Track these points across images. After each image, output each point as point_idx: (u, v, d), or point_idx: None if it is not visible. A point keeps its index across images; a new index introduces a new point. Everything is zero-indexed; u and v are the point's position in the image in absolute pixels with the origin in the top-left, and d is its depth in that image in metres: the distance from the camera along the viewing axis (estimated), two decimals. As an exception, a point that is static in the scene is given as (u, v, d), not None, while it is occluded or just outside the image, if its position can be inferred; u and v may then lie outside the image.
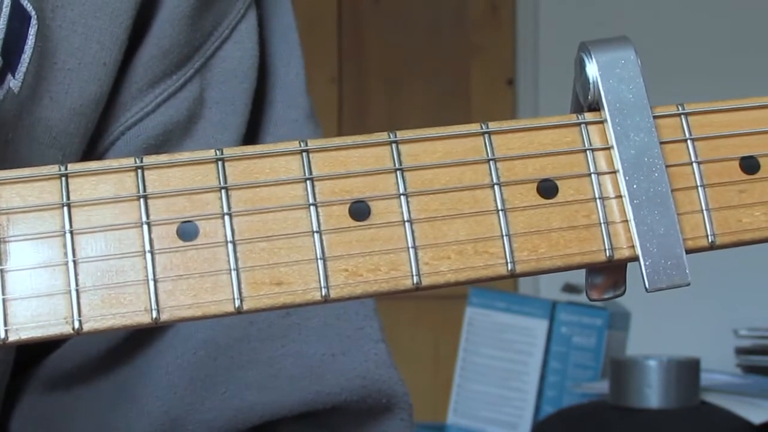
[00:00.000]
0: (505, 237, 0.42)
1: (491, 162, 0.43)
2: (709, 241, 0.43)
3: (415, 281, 0.41)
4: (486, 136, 0.43)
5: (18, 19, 0.57)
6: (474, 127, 0.43)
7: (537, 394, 1.62)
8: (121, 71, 0.61)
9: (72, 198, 0.40)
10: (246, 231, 0.41)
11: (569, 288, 1.74)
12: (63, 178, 0.40)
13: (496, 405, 1.64)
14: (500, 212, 0.42)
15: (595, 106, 0.44)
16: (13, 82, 0.57)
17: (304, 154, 0.42)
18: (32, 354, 0.66)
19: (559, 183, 0.43)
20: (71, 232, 0.40)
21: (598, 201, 0.43)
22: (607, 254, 0.42)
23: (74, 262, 0.40)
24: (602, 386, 1.50)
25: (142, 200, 0.41)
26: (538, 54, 2.91)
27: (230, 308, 0.40)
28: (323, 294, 0.41)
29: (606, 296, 0.45)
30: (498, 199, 0.42)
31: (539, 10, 2.92)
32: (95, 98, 0.60)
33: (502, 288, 2.24)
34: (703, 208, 0.43)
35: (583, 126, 0.44)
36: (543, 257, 0.42)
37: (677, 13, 2.78)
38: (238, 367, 0.63)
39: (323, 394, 0.63)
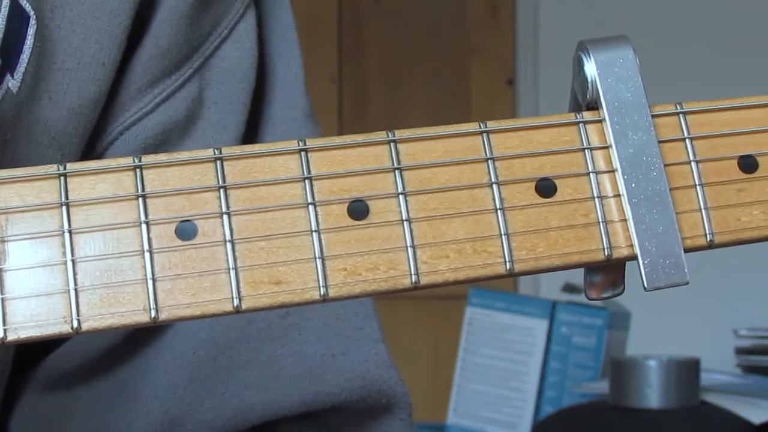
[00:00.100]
0: (503, 236, 0.42)
1: (490, 161, 0.43)
2: (708, 240, 0.43)
3: (413, 280, 0.41)
4: (484, 135, 0.43)
5: (17, 19, 0.57)
6: (472, 127, 0.43)
7: (537, 394, 1.62)
8: (119, 71, 0.61)
9: (71, 197, 0.40)
10: (245, 230, 0.41)
11: (569, 288, 1.74)
12: (62, 178, 0.40)
13: (496, 405, 1.64)
14: (499, 211, 0.42)
15: (594, 105, 0.44)
16: (12, 82, 0.57)
17: (303, 153, 0.42)
18: (31, 354, 0.66)
19: (557, 182, 0.43)
20: (70, 232, 0.40)
21: (596, 200, 0.43)
22: (606, 253, 0.43)
23: (73, 261, 0.40)
24: (602, 386, 1.50)
25: (140, 199, 0.41)
26: (538, 54, 2.91)
27: (229, 307, 0.40)
28: (322, 293, 0.41)
29: (605, 295, 0.45)
30: (496, 198, 0.42)
31: (539, 10, 2.92)
32: (94, 98, 0.60)
33: (502, 288, 2.24)
34: (702, 207, 0.43)
35: (581, 125, 0.44)
36: (541, 256, 0.42)
37: (677, 12, 2.78)
38: (237, 367, 0.63)
39: (323, 394, 0.63)
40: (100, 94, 0.60)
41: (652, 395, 1.37)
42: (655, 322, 2.28)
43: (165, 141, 0.63)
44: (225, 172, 0.41)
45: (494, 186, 0.42)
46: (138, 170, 0.41)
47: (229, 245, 0.41)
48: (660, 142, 0.43)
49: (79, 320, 0.39)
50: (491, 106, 2.95)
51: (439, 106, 2.97)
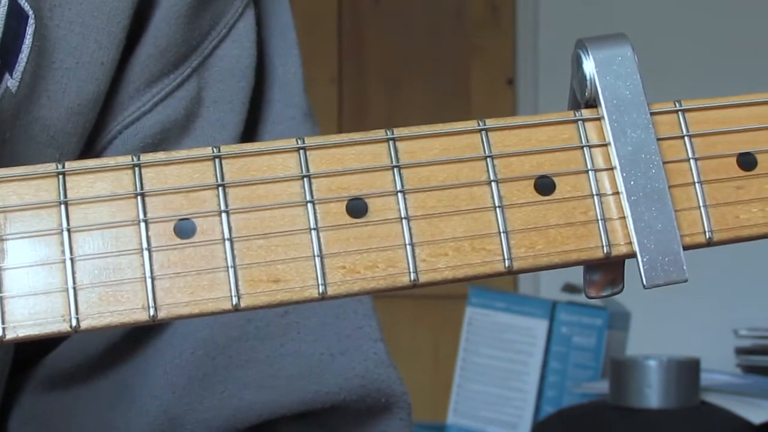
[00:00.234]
0: (502, 234, 0.42)
1: (488, 159, 0.43)
2: (707, 237, 0.43)
3: (412, 278, 0.41)
4: (483, 133, 0.43)
5: (15, 18, 0.57)
6: (471, 124, 0.43)
7: (537, 394, 1.62)
8: (118, 70, 0.61)
9: (69, 196, 0.40)
10: (243, 228, 0.41)
11: (569, 288, 1.74)
12: (60, 176, 0.40)
13: (496, 405, 1.64)
14: (497, 209, 0.42)
15: (593, 103, 0.44)
16: (11, 82, 0.57)
17: (302, 151, 0.42)
18: (31, 353, 0.66)
19: (556, 180, 0.43)
20: (68, 230, 0.40)
21: (595, 197, 0.43)
22: (605, 251, 0.43)
23: (71, 259, 0.40)
24: (602, 386, 1.50)
25: (139, 198, 0.41)
26: (538, 54, 2.91)
27: (228, 305, 0.40)
28: (320, 291, 0.41)
29: (604, 294, 0.45)
30: (495, 196, 0.42)
31: (539, 10, 2.92)
32: (93, 97, 0.60)
33: (502, 288, 2.24)
34: (701, 204, 0.43)
35: (580, 123, 0.44)
36: (540, 254, 0.42)
37: (677, 12, 2.78)
38: (236, 367, 0.63)
39: (322, 393, 0.63)
40: (99, 94, 0.60)
41: (652, 395, 1.37)
42: (655, 322, 2.28)
43: (164, 140, 0.63)
44: (224, 171, 0.41)
45: (493, 184, 0.42)
46: (137, 169, 0.41)
47: (227, 243, 0.41)
48: (659, 139, 0.43)
49: (77, 319, 0.39)
50: (491, 105, 2.95)
51: (439, 106, 2.97)
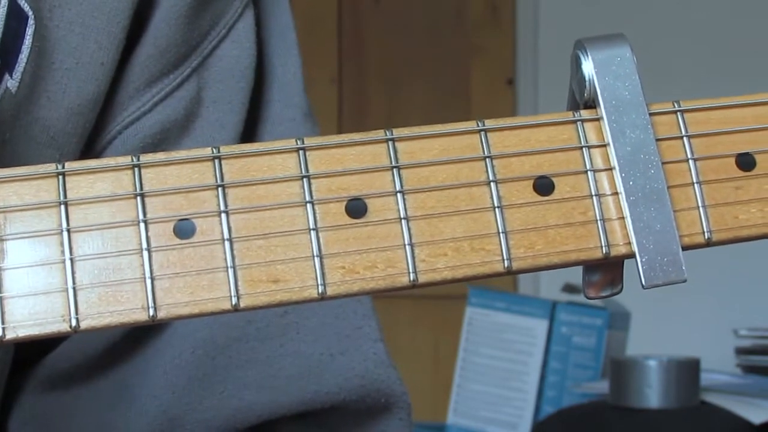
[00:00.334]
0: (501, 234, 0.42)
1: (487, 159, 0.43)
2: (706, 237, 0.43)
3: (411, 278, 0.41)
4: (482, 133, 0.43)
5: (15, 18, 0.57)
6: (470, 125, 0.43)
7: (537, 394, 1.62)
8: (118, 70, 0.61)
9: (69, 196, 0.40)
10: (243, 229, 0.41)
11: (569, 288, 1.74)
12: (60, 177, 0.40)
13: (496, 405, 1.64)
14: (497, 209, 0.42)
15: (591, 104, 0.44)
16: (11, 82, 0.57)
17: (301, 152, 0.42)
18: (31, 353, 0.66)
19: (555, 180, 0.43)
20: (68, 230, 0.40)
21: (594, 198, 0.43)
22: (604, 251, 0.43)
23: (71, 260, 0.40)
24: (602, 386, 1.50)
25: (139, 198, 0.41)
26: (538, 54, 2.92)
27: (227, 305, 0.40)
28: (320, 291, 0.41)
29: (603, 294, 0.45)
30: (494, 197, 0.42)
31: (539, 10, 2.92)
32: (93, 98, 0.60)
33: (502, 288, 2.24)
34: (699, 204, 0.43)
35: (579, 123, 0.44)
36: (539, 254, 0.42)
37: (676, 12, 2.78)
38: (236, 367, 0.63)
39: (322, 393, 0.63)
40: (99, 94, 0.60)
41: (652, 395, 1.37)
42: (655, 322, 2.28)
43: (163, 140, 0.63)
44: (223, 171, 0.41)
45: (492, 184, 0.42)
46: (136, 169, 0.41)
47: (227, 244, 0.41)
48: (658, 140, 0.43)
49: (77, 319, 0.39)
50: (491, 106, 2.95)
51: (439, 106, 2.97)
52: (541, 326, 1.63)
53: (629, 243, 0.43)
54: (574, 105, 0.45)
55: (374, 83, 3.04)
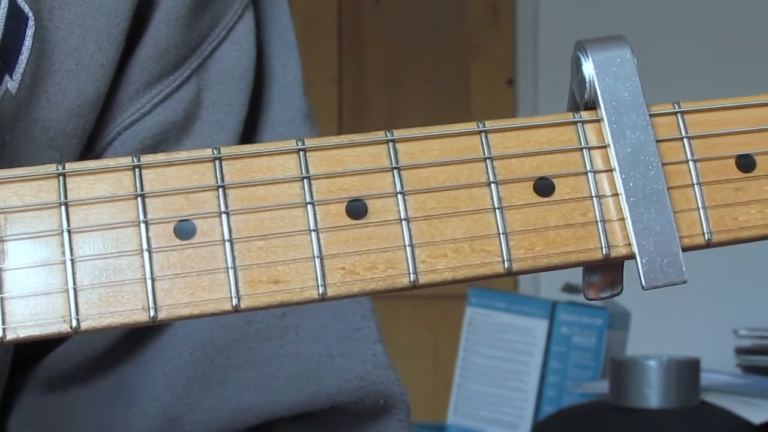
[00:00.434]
0: (501, 235, 0.42)
1: (488, 160, 0.43)
2: (706, 239, 0.43)
3: (411, 279, 0.41)
4: (483, 134, 0.43)
5: (15, 20, 0.57)
6: (471, 126, 0.43)
7: (537, 394, 1.62)
8: (117, 72, 0.61)
9: (69, 197, 0.40)
10: (243, 229, 0.41)
11: (569, 288, 1.74)
12: (60, 178, 0.40)
13: (496, 405, 1.64)
14: (497, 210, 0.42)
15: (592, 105, 0.44)
16: (11, 83, 0.57)
17: (301, 153, 0.42)
18: (31, 353, 0.66)
19: (555, 181, 0.43)
20: (69, 231, 0.40)
21: (594, 199, 0.43)
22: (604, 252, 0.43)
23: (72, 260, 0.40)
24: (602, 386, 1.50)
25: (139, 199, 0.41)
26: (538, 54, 2.92)
27: (227, 306, 0.40)
28: (320, 292, 0.41)
29: (603, 295, 0.45)
30: (495, 198, 0.42)
31: (539, 10, 2.92)
32: (93, 99, 0.60)
33: (502, 288, 2.24)
34: (700, 206, 0.43)
35: (579, 124, 0.44)
36: (540, 255, 0.42)
37: (676, 12, 2.78)
38: (235, 368, 0.63)
39: (321, 394, 0.63)
40: (99, 95, 0.60)
41: (652, 395, 1.37)
42: (655, 322, 2.28)
43: (163, 141, 0.63)
44: (224, 172, 0.41)
45: (492, 185, 0.42)
46: (137, 170, 0.41)
47: (227, 244, 0.41)
48: (658, 141, 0.43)
49: (78, 319, 0.39)
50: (491, 106, 2.95)
51: (439, 106, 2.97)
52: (541, 326, 1.64)
53: (629, 244, 0.43)
54: (575, 106, 0.45)
55: (374, 83, 3.04)
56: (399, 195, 0.42)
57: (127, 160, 0.41)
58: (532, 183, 0.43)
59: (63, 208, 0.40)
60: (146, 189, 0.41)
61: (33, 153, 0.59)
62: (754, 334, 1.65)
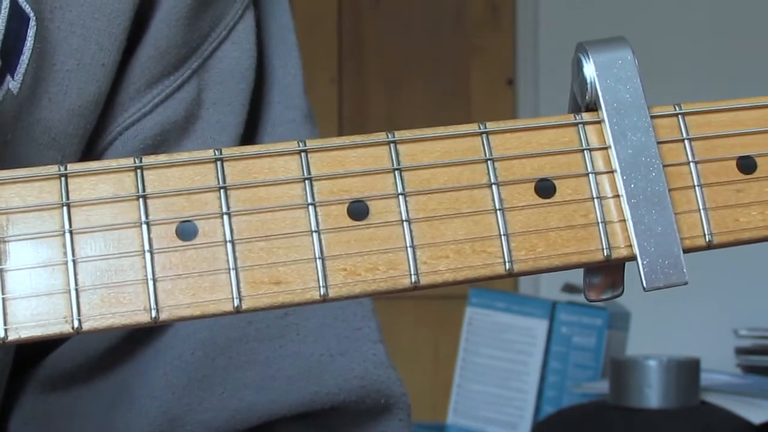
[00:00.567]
0: (503, 236, 0.42)
1: (489, 162, 0.43)
2: (707, 240, 0.43)
3: (413, 280, 0.41)
4: (484, 136, 0.43)
5: (17, 20, 0.57)
6: (472, 127, 0.43)
7: (537, 394, 1.62)
8: (118, 71, 0.61)
9: (71, 198, 0.40)
10: (245, 230, 0.41)
11: (569, 288, 1.74)
12: (62, 178, 0.41)
13: (496, 405, 1.64)
14: (498, 212, 0.42)
15: (593, 107, 0.44)
16: (12, 83, 0.57)
17: (303, 154, 0.42)
18: (31, 354, 0.66)
19: (556, 183, 0.43)
20: (71, 232, 0.40)
21: (595, 200, 0.43)
22: (605, 253, 0.43)
23: (74, 261, 0.40)
24: (602, 386, 1.50)
25: (141, 200, 0.41)
26: (538, 54, 2.92)
27: (229, 307, 0.41)
28: (322, 293, 0.41)
29: (604, 296, 0.45)
30: (496, 199, 0.42)
31: (539, 10, 2.92)
32: (94, 99, 0.60)
33: (502, 288, 2.24)
34: (701, 207, 0.43)
35: (580, 126, 0.44)
36: (541, 256, 0.42)
37: (677, 13, 2.78)
38: (236, 368, 0.63)
39: (321, 394, 0.63)
40: (100, 95, 0.60)
41: (652, 395, 1.37)
42: (655, 322, 2.28)
43: (164, 141, 0.63)
44: (225, 173, 0.41)
45: (494, 186, 0.42)
46: (138, 171, 0.41)
47: (229, 245, 0.41)
48: (659, 143, 0.43)
49: (79, 320, 0.40)
50: (491, 106, 2.95)
51: (439, 106, 2.97)
52: (541, 326, 1.64)
53: (630, 245, 0.43)
54: (576, 108, 0.45)
55: (374, 83, 3.04)
56: (400, 196, 0.42)
57: (128, 161, 0.41)
58: (533, 184, 0.43)
59: (65, 208, 0.40)
60: (148, 190, 0.41)
61: (34, 153, 0.59)
62: (754, 334, 1.65)
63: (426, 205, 0.42)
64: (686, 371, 1.38)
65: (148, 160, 0.41)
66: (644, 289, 0.42)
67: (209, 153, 0.42)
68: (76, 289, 0.40)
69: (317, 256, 0.41)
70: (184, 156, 0.42)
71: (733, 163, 0.44)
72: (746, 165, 0.44)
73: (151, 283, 0.40)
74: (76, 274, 0.40)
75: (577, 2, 2.88)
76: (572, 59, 0.44)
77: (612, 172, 0.43)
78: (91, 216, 0.40)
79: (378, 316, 0.67)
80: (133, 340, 0.64)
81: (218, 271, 0.41)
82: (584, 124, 0.44)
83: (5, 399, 0.65)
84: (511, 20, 2.98)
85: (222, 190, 0.41)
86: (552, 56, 2.86)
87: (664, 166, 0.43)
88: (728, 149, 0.44)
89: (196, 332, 0.63)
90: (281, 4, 0.69)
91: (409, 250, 0.42)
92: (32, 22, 0.57)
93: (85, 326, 0.40)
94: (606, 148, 0.43)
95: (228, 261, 0.41)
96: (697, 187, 0.43)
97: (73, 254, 0.40)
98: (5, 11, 0.56)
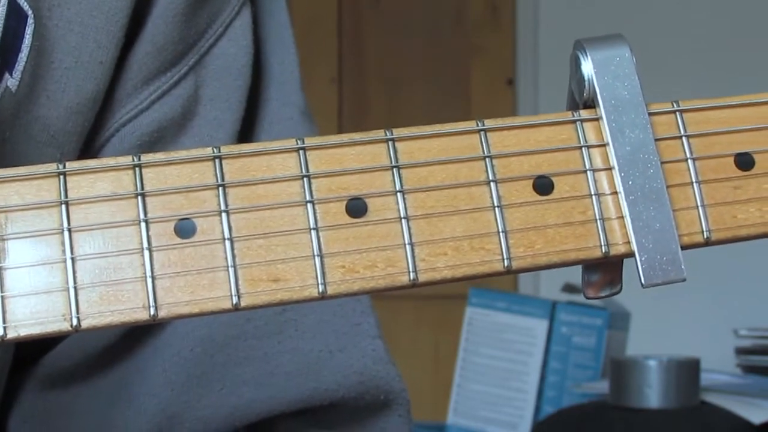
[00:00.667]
0: (501, 233, 0.42)
1: (487, 159, 0.43)
2: (705, 237, 0.43)
3: (411, 277, 0.41)
4: (482, 133, 0.43)
5: (15, 17, 0.57)
6: (470, 125, 0.43)
7: (537, 394, 1.62)
8: (116, 68, 0.61)
9: (70, 196, 0.40)
10: (243, 228, 0.41)
11: (569, 288, 1.74)
12: (61, 176, 0.41)
13: (496, 405, 1.64)
14: (496, 209, 0.42)
15: (591, 104, 0.44)
16: (11, 81, 0.57)
17: (301, 151, 0.42)
18: (31, 352, 0.66)
19: (554, 180, 0.43)
20: (69, 230, 0.40)
21: (593, 197, 0.43)
22: (603, 250, 0.43)
23: (72, 259, 0.40)
24: (602, 386, 1.50)
25: (139, 198, 0.41)
26: (538, 54, 2.92)
27: (228, 305, 0.41)
28: (320, 290, 0.41)
29: (603, 294, 0.45)
30: (494, 196, 0.42)
31: (539, 10, 2.92)
32: (92, 96, 0.60)
33: (503, 288, 2.24)
34: (698, 204, 0.43)
35: (578, 123, 0.44)
36: (539, 253, 0.42)
37: (675, 12, 2.78)
38: (234, 364, 0.63)
39: (320, 390, 0.63)
40: (98, 93, 0.61)
41: (652, 395, 1.37)
42: (655, 322, 2.28)
43: (161, 138, 0.63)
44: (223, 171, 0.41)
45: (492, 184, 0.43)
46: (137, 169, 0.41)
47: (227, 243, 0.41)
48: (657, 139, 0.43)
49: (78, 318, 0.40)
50: (491, 106, 2.95)
51: (439, 106, 2.97)
52: (541, 326, 1.64)
53: (628, 242, 0.43)
54: (574, 105, 0.45)
55: (374, 83, 3.04)
56: (399, 193, 0.42)
57: (127, 159, 0.41)
58: (531, 181, 0.43)
59: (63, 206, 0.40)
60: (146, 188, 0.41)
61: (33, 150, 0.59)
62: (754, 334, 1.65)
63: (424, 203, 0.42)
64: (686, 371, 1.38)
65: (146, 158, 0.41)
66: (642, 285, 0.42)
67: (207, 151, 0.42)
68: (75, 287, 0.40)
69: (316, 253, 0.41)
70: (182, 154, 0.42)
71: (731, 159, 0.44)
72: (744, 162, 0.44)
73: (149, 280, 0.40)
74: (74, 272, 0.40)
75: (577, 2, 2.88)
76: (570, 56, 0.44)
77: (610, 169, 0.43)
78: (89, 214, 0.40)
79: (376, 314, 0.67)
80: (132, 338, 0.64)
81: (217, 268, 0.41)
82: (582, 121, 0.44)
83: (4, 397, 0.66)
84: (511, 20, 2.98)
85: (220, 188, 0.41)
86: (552, 56, 2.86)
87: (662, 162, 0.43)
88: (726, 146, 0.44)
89: (195, 329, 0.63)
90: (278, 1, 0.69)
91: (408, 247, 0.42)
92: (30, 20, 0.57)
93: (84, 324, 0.40)
94: (604, 145, 0.43)
95: (226, 258, 0.41)
96: (695, 184, 0.43)
97: (72, 252, 0.40)
98: (3, 9, 0.56)
